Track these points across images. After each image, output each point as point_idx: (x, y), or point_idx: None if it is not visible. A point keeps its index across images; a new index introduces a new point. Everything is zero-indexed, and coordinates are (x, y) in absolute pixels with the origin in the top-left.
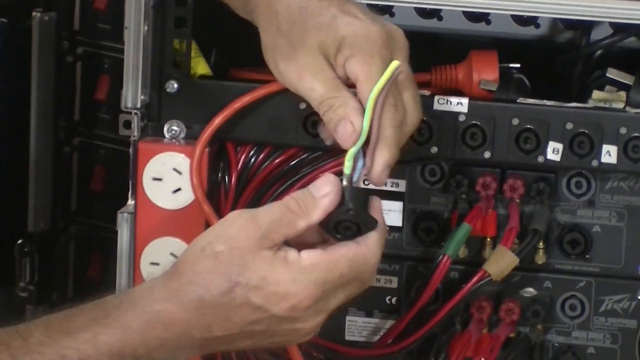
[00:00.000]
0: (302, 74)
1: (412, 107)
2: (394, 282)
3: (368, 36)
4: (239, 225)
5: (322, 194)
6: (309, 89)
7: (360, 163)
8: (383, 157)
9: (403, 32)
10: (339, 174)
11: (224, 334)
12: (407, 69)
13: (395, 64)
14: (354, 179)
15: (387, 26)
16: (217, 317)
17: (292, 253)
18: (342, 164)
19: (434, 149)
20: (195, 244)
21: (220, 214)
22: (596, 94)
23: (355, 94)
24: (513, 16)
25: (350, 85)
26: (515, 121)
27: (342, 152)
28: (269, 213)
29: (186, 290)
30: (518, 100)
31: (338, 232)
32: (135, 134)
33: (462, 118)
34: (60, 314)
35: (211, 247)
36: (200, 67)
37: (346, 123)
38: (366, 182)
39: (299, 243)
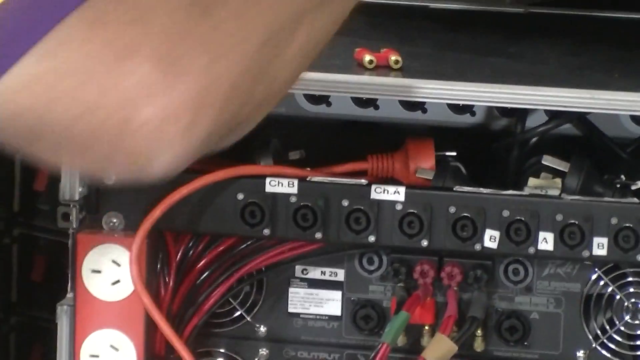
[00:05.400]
0: None
1: None
2: None
3: None
4: None
5: None
6: None
7: None
8: None
9: None
10: (278, 263)
11: None
12: None
13: None
14: None
15: None
16: None
17: None
18: (282, 253)
19: (372, 238)
20: None
21: (159, 304)
22: (532, 180)
23: None
24: (449, 104)
25: None
26: (452, 209)
27: (282, 242)
28: None
29: None
30: (454, 188)
31: None
32: (74, 225)
33: (399, 207)
34: None
35: None
36: None
37: None
38: None
39: None
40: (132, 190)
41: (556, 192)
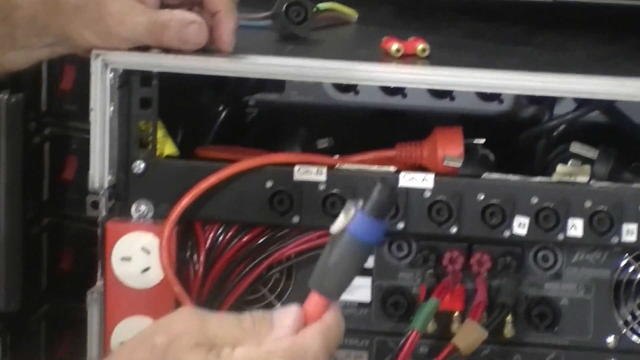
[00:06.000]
0: (120, 20)
1: None
2: (364, 357)
3: None
4: (185, 325)
5: (281, 325)
6: (133, 27)
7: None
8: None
9: None
10: (307, 251)
11: None
12: None
13: None
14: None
15: None
16: None
17: (226, 350)
18: (309, 241)
19: (401, 225)
20: (139, 333)
21: (189, 292)
22: (560, 168)
23: None
24: (477, 93)
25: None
26: (481, 196)
27: (311, 229)
28: (220, 325)
29: None
30: (483, 176)
31: None
32: (103, 214)
33: (427, 194)
34: None
35: (151, 339)
36: (167, 147)
37: (190, 24)
38: None
39: None
40: (161, 178)
41: (585, 179)
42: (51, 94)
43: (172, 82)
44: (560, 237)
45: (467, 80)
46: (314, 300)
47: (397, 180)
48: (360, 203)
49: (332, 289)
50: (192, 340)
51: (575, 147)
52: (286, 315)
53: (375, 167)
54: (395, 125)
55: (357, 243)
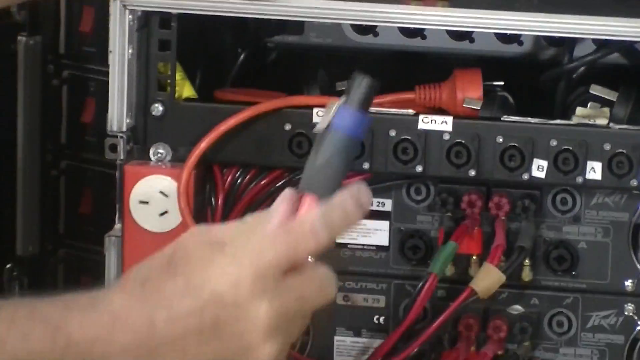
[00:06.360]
0: None
1: None
2: (381, 301)
3: None
4: (191, 232)
5: (276, 210)
6: None
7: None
8: None
9: None
10: None
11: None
12: None
13: None
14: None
15: None
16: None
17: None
18: None
19: (419, 168)
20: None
21: None
22: (580, 110)
23: None
24: (496, 34)
25: None
26: (500, 139)
27: None
28: (224, 227)
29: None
30: (502, 118)
31: None
32: (121, 157)
33: (446, 137)
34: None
35: (160, 251)
36: (186, 90)
37: None
38: None
39: None
40: (179, 121)
41: (604, 122)
42: (70, 36)
43: (191, 24)
44: (579, 180)
45: (487, 21)
46: (307, 202)
47: (416, 122)
48: (342, 99)
49: (323, 187)
50: (197, 240)
51: (595, 89)
52: (281, 200)
53: (394, 110)
54: (415, 67)
55: (342, 137)
